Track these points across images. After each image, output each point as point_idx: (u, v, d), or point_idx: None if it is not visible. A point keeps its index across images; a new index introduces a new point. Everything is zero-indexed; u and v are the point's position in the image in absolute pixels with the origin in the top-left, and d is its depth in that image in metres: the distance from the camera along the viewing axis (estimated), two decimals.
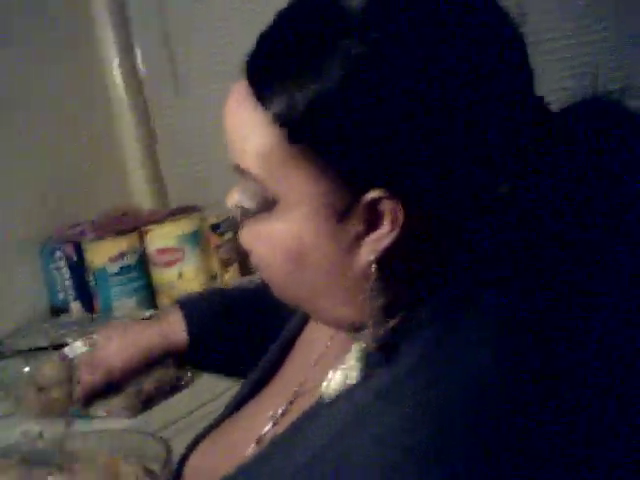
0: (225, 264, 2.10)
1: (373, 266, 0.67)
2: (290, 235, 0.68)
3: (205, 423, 1.64)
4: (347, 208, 0.65)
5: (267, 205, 0.68)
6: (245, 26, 2.20)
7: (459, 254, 0.69)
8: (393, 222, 0.65)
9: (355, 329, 0.71)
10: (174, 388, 1.69)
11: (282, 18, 0.67)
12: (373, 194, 0.65)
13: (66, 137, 2.23)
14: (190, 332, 1.02)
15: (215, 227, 2.11)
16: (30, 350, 1.88)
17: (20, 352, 1.89)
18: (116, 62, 2.36)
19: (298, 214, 0.67)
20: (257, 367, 0.92)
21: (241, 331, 1.05)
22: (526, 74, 0.68)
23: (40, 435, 1.44)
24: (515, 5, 0.68)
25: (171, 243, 2.06)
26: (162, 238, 2.08)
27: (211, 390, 1.72)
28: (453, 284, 0.69)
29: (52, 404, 1.65)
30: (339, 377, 0.68)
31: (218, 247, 2.06)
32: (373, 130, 0.63)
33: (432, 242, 0.68)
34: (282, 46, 0.65)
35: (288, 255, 0.68)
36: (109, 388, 1.09)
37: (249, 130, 0.67)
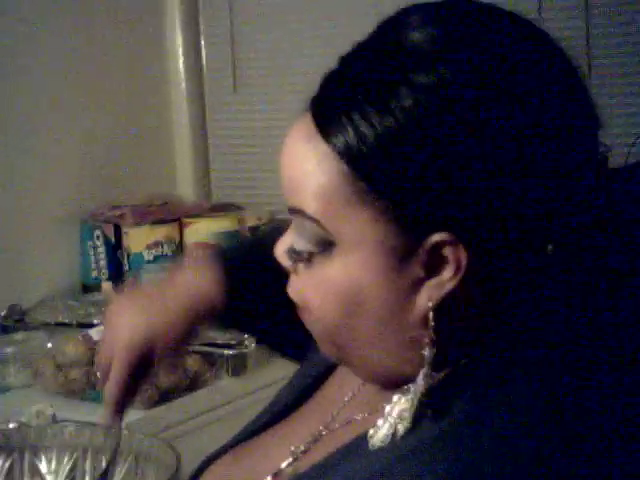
0: None
1: (430, 313, 0.64)
2: (347, 279, 0.65)
3: (216, 428, 1.65)
4: (409, 251, 0.63)
5: (324, 247, 0.65)
6: (310, 35, 2.21)
7: (509, 312, 0.67)
8: (456, 268, 0.63)
9: (395, 383, 0.69)
10: (192, 384, 1.69)
11: (349, 56, 0.67)
12: (437, 237, 0.62)
13: (119, 118, 2.24)
14: (229, 291, 0.89)
15: (254, 229, 2.11)
16: (55, 325, 1.89)
17: (45, 325, 1.90)
18: (180, 50, 2.37)
19: (356, 257, 0.64)
20: (279, 396, 0.91)
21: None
22: (593, 123, 0.66)
23: (53, 418, 1.45)
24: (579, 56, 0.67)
25: (209, 239, 2.06)
26: (200, 232, 2.09)
27: (228, 393, 1.73)
28: (500, 343, 0.68)
29: (69, 384, 1.66)
30: (387, 428, 0.66)
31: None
32: (442, 170, 0.61)
33: (487, 295, 0.66)
34: (350, 81, 0.64)
35: (343, 300, 0.66)
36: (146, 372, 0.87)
37: (312, 166, 0.65)
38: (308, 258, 0.67)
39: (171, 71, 2.38)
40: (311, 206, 0.65)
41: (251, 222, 2.14)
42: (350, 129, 0.63)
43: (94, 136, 2.17)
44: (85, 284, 2.12)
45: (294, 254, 0.68)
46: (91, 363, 1.61)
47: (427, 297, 0.64)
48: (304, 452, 0.78)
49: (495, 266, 0.65)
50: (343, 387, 0.81)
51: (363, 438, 0.69)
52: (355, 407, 0.76)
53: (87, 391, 1.62)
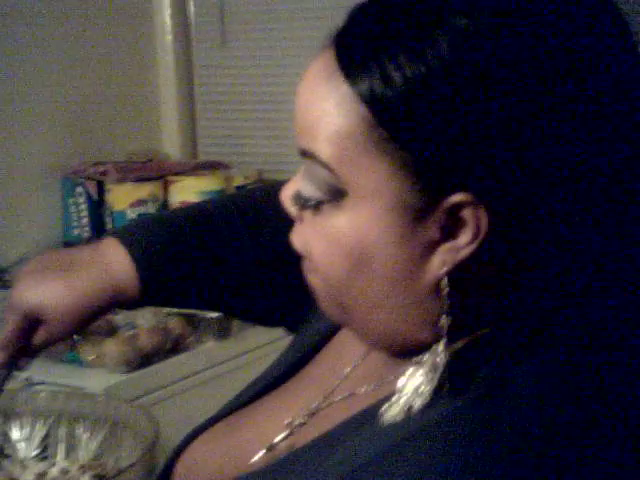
0: None
1: (445, 279, 0.60)
2: (356, 232, 0.60)
3: (199, 392, 1.62)
4: (425, 209, 0.58)
5: (334, 196, 0.61)
6: None
7: (531, 282, 0.62)
8: (475, 232, 0.58)
9: (401, 351, 0.65)
10: (175, 347, 1.65)
11: None
12: (458, 197, 0.57)
13: (105, 73, 2.18)
14: (141, 274, 0.82)
15: (240, 188, 2.07)
16: None
17: None
18: (166, 3, 2.31)
19: (369, 209, 0.60)
20: (273, 365, 0.86)
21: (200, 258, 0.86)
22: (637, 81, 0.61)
23: (27, 380, 1.41)
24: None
25: (194, 197, 2.01)
26: (185, 191, 2.04)
27: (212, 357, 1.69)
28: (523, 315, 0.63)
29: None
30: (402, 403, 0.61)
31: None
32: (471, 124, 0.56)
33: (508, 263, 0.61)
34: (380, 19, 0.59)
35: (351, 254, 0.61)
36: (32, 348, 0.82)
37: (330, 107, 0.60)
38: (316, 206, 0.62)
39: (157, 25, 2.32)
40: (325, 151, 0.60)
41: (238, 181, 2.09)
42: (376, 71, 0.57)
43: (78, 91, 2.11)
44: (66, 242, 2.07)
45: (301, 200, 0.63)
46: None
47: (441, 261, 0.59)
48: (300, 426, 0.73)
49: (517, 233, 0.59)
50: (343, 358, 0.76)
51: (368, 413, 0.64)
52: (357, 380, 0.72)
53: (66, 353, 1.58)
